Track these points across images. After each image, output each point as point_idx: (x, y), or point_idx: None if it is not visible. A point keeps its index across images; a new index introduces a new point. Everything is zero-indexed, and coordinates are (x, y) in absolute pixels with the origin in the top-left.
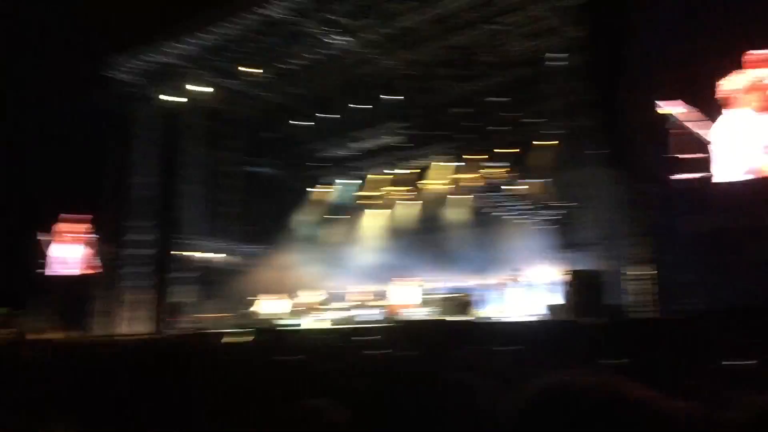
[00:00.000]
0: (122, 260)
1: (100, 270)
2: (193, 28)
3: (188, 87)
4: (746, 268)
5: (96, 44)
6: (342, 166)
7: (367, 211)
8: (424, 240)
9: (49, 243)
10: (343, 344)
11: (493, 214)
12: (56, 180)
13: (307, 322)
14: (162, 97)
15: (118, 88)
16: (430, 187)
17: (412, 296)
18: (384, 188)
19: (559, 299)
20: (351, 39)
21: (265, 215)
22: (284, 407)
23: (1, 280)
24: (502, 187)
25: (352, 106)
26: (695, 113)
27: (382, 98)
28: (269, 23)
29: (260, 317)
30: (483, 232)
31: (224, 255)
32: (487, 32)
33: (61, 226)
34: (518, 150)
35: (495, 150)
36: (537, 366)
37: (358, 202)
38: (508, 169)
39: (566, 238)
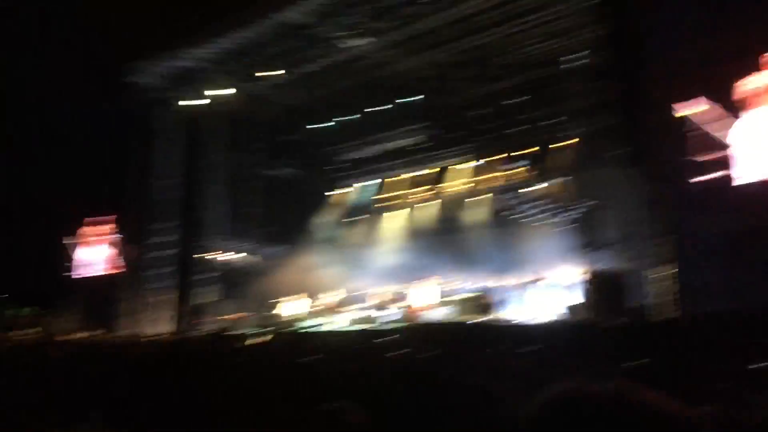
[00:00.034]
0: (146, 262)
1: (125, 271)
2: (214, 33)
3: (209, 91)
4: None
5: (119, 50)
6: (361, 168)
7: (386, 212)
8: (443, 241)
9: (75, 246)
10: (364, 346)
11: (513, 214)
12: (81, 183)
13: (328, 324)
14: (183, 101)
15: (141, 93)
16: (449, 188)
17: (432, 297)
18: (403, 190)
19: (579, 300)
20: (370, 41)
21: (285, 217)
22: (306, 409)
23: (30, 281)
24: (522, 187)
25: (371, 108)
26: (715, 113)
27: (401, 100)
28: (288, 27)
29: (282, 318)
30: (502, 233)
31: (246, 256)
32: (505, 33)
33: (86, 230)
34: (537, 150)
35: (514, 150)
36: (557, 368)
37: (377, 203)
38: (528, 169)
39: (586, 238)
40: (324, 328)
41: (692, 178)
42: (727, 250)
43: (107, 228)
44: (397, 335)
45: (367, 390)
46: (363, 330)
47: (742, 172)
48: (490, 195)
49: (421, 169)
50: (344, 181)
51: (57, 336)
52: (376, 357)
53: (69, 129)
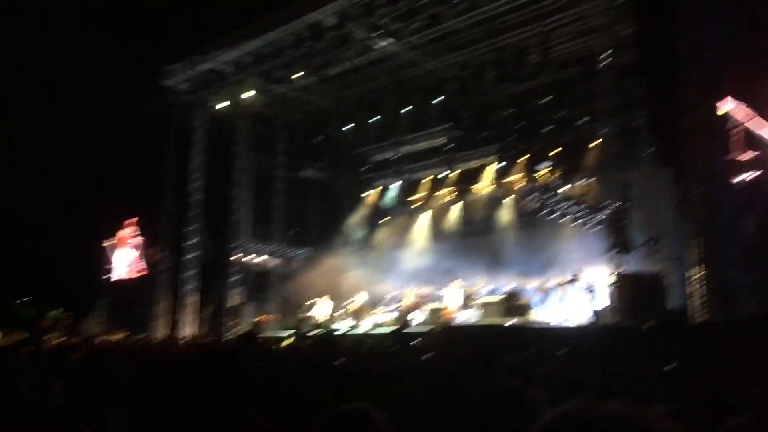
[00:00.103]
0: (179, 264)
1: (155, 274)
2: (243, 36)
3: (239, 94)
4: None
5: (150, 53)
6: (391, 168)
7: (414, 214)
8: (473, 242)
9: (113, 248)
10: (395, 349)
11: (542, 215)
12: (111, 186)
13: (356, 327)
14: (213, 103)
15: (172, 95)
16: (477, 189)
17: (461, 299)
18: (431, 191)
19: (609, 302)
20: (399, 42)
21: (315, 219)
22: (332, 409)
23: (64, 283)
24: (550, 188)
25: (400, 109)
26: (749, 113)
27: (430, 101)
28: (318, 29)
29: (314, 321)
30: (532, 235)
31: (278, 259)
32: (535, 32)
33: (122, 232)
34: (568, 150)
35: (544, 151)
36: (588, 372)
37: (405, 205)
38: (556, 170)
39: (616, 239)
40: (352, 331)
41: (724, 178)
42: (759, 251)
43: (141, 231)
44: (428, 338)
45: (398, 392)
46: (393, 332)
47: None
48: (519, 196)
49: (448, 170)
50: (372, 182)
51: (88, 338)
52: (407, 359)
53: (100, 131)
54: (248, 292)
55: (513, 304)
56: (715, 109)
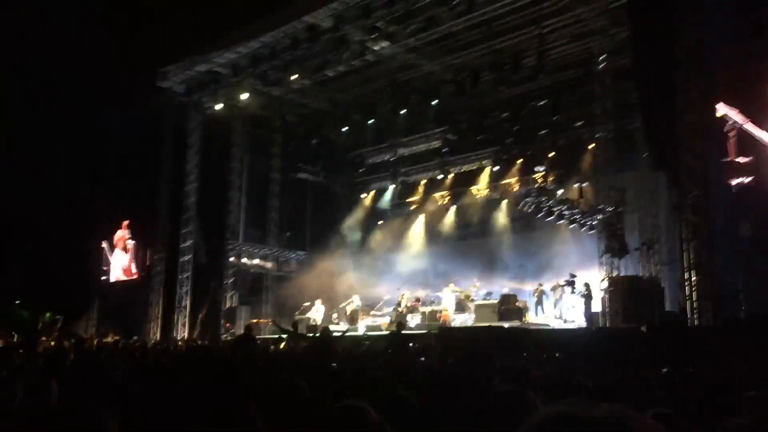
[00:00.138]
0: (174, 266)
1: (154, 276)
2: (240, 38)
3: (236, 96)
4: None
5: (148, 56)
6: (386, 171)
7: (411, 216)
8: (469, 245)
9: (111, 250)
10: (393, 350)
11: (538, 218)
12: (110, 187)
13: (352, 329)
14: (211, 106)
15: (169, 97)
16: (474, 191)
17: (458, 302)
18: (428, 193)
19: (605, 305)
20: (395, 45)
21: (311, 221)
22: (329, 407)
23: (60, 284)
24: (547, 191)
25: (396, 112)
26: (746, 117)
27: (426, 104)
28: (315, 31)
29: (310, 323)
30: (527, 238)
31: (272, 261)
32: (531, 36)
33: (119, 234)
34: (563, 153)
35: (540, 154)
36: (584, 372)
37: (402, 207)
38: (553, 173)
39: (611, 243)
40: (348, 333)
41: (719, 182)
42: (753, 255)
43: (130, 234)
44: (426, 340)
45: (393, 392)
46: (388, 334)
47: None
48: (514, 199)
49: (446, 172)
50: (368, 185)
51: (80, 340)
52: (402, 360)
53: (96, 132)
54: (243, 294)
55: (508, 307)
56: (710, 113)
